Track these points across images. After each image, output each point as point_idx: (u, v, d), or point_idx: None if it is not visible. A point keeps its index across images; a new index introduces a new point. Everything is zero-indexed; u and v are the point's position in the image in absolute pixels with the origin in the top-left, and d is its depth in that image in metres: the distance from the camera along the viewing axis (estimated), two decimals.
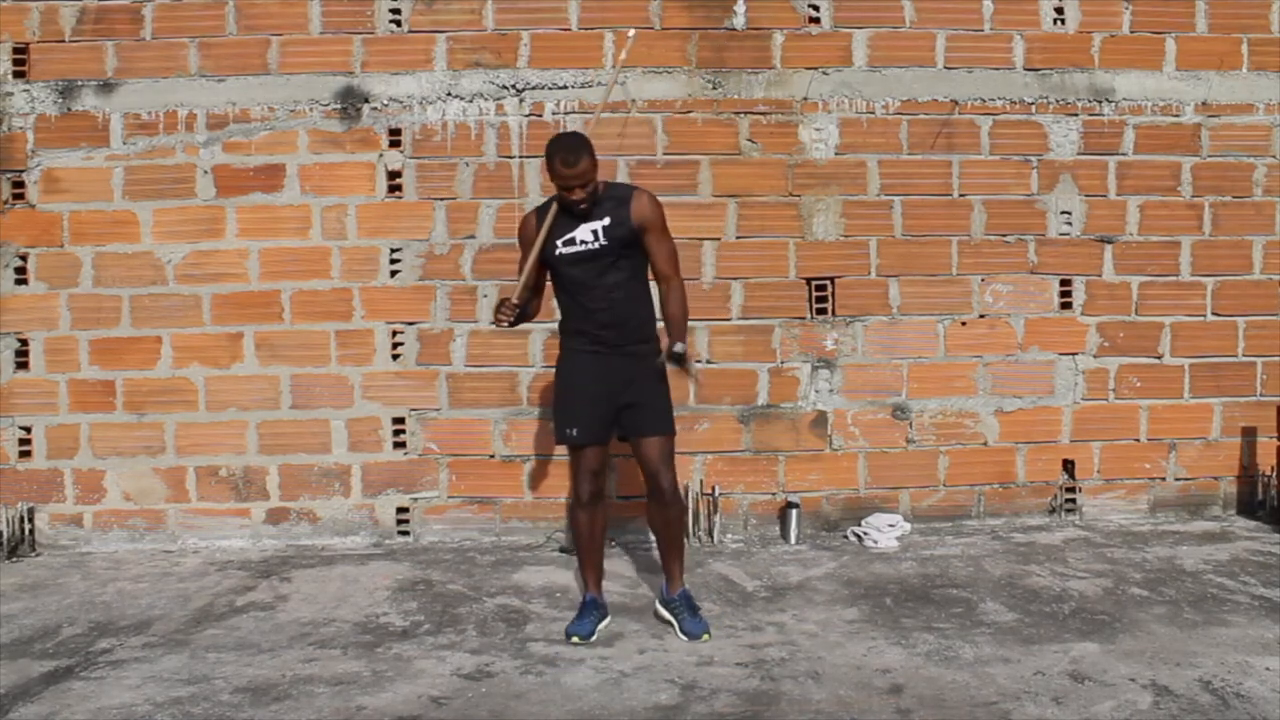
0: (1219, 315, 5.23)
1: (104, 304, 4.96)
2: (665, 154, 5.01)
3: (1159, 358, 5.22)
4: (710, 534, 4.94)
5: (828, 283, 5.09)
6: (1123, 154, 5.16)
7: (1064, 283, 5.17)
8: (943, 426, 5.14)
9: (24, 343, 4.96)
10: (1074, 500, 5.20)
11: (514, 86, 4.99)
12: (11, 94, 4.94)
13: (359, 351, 5.00)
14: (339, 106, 4.96)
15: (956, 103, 5.09)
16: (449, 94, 4.98)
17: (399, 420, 5.01)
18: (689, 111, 5.02)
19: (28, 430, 4.97)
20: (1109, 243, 5.18)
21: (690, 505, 4.85)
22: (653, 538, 4.88)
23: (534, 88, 4.99)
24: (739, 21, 5.03)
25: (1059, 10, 5.11)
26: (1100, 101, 5.14)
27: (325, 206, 4.98)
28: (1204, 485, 5.26)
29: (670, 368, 3.64)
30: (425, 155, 4.99)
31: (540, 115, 4.99)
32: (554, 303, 3.87)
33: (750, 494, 5.08)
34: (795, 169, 5.06)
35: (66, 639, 3.75)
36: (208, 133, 4.95)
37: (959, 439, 5.14)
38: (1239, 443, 5.25)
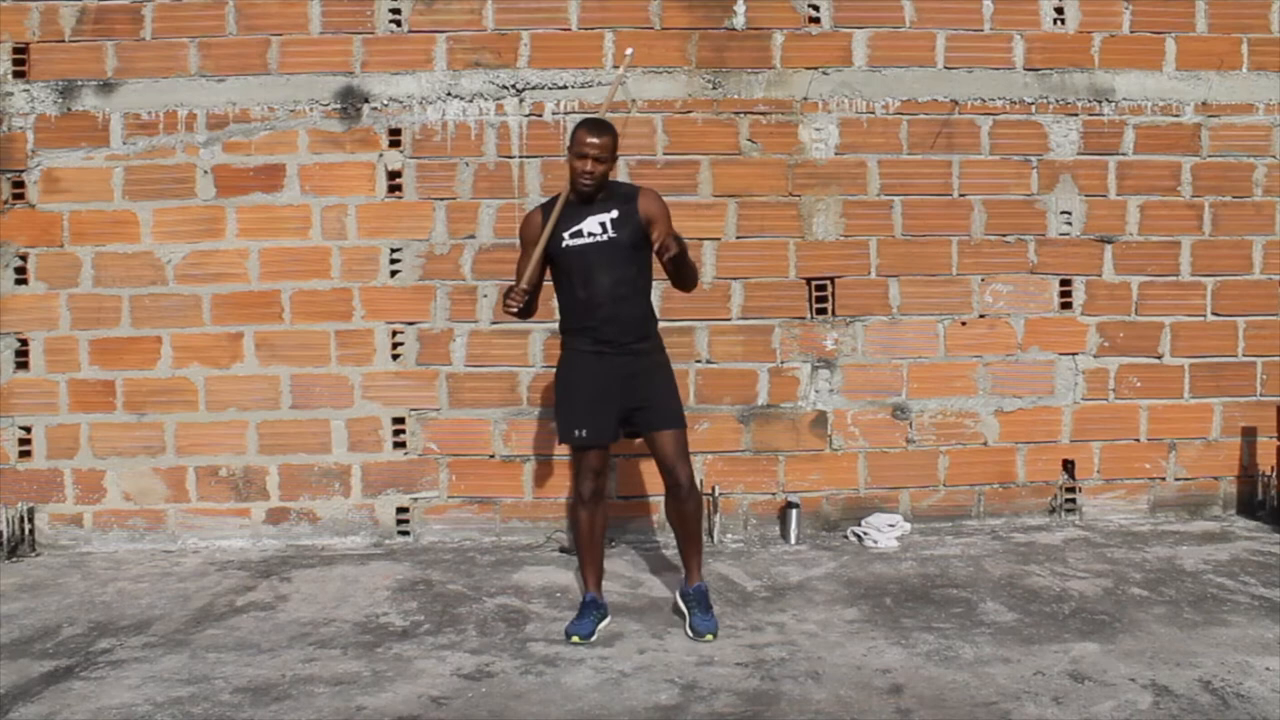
0: (1219, 315, 5.23)
1: (104, 304, 4.96)
2: (665, 154, 5.01)
3: (1159, 358, 5.22)
4: (710, 534, 4.93)
5: (828, 283, 5.09)
6: (1123, 154, 5.17)
7: (1064, 283, 5.17)
8: (943, 426, 5.14)
9: (24, 343, 4.96)
10: (1074, 500, 5.20)
11: (514, 86, 4.99)
12: (11, 94, 4.94)
13: (359, 351, 5.00)
14: (339, 106, 4.96)
15: (956, 103, 5.09)
16: (449, 94, 4.98)
17: (399, 420, 5.01)
18: (689, 111, 5.02)
19: (28, 430, 4.97)
20: (1109, 243, 5.18)
21: None
22: (655, 538, 4.91)
23: (534, 88, 4.99)
24: (739, 21, 5.03)
25: (1059, 10, 5.11)
26: (1100, 101, 5.14)
27: (325, 206, 4.98)
28: (1204, 485, 5.26)
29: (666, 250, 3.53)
30: (425, 155, 4.99)
31: (540, 115, 4.99)
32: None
33: (750, 494, 5.08)
34: (795, 169, 5.06)
35: (66, 639, 3.75)
36: (208, 133, 4.96)
37: (959, 439, 5.14)
38: (1239, 443, 5.25)
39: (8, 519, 4.85)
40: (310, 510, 5.01)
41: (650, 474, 3.97)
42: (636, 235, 3.66)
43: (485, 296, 4.99)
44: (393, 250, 5.00)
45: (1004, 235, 5.14)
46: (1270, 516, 5.12)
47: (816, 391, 5.09)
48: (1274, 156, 5.21)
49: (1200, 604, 3.95)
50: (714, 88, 5.03)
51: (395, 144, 4.98)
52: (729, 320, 5.03)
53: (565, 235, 3.66)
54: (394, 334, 5.00)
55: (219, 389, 4.98)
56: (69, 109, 4.94)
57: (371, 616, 3.96)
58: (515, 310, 3.64)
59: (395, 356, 5.01)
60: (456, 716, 3.08)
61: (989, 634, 3.67)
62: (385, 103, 4.97)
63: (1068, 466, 5.20)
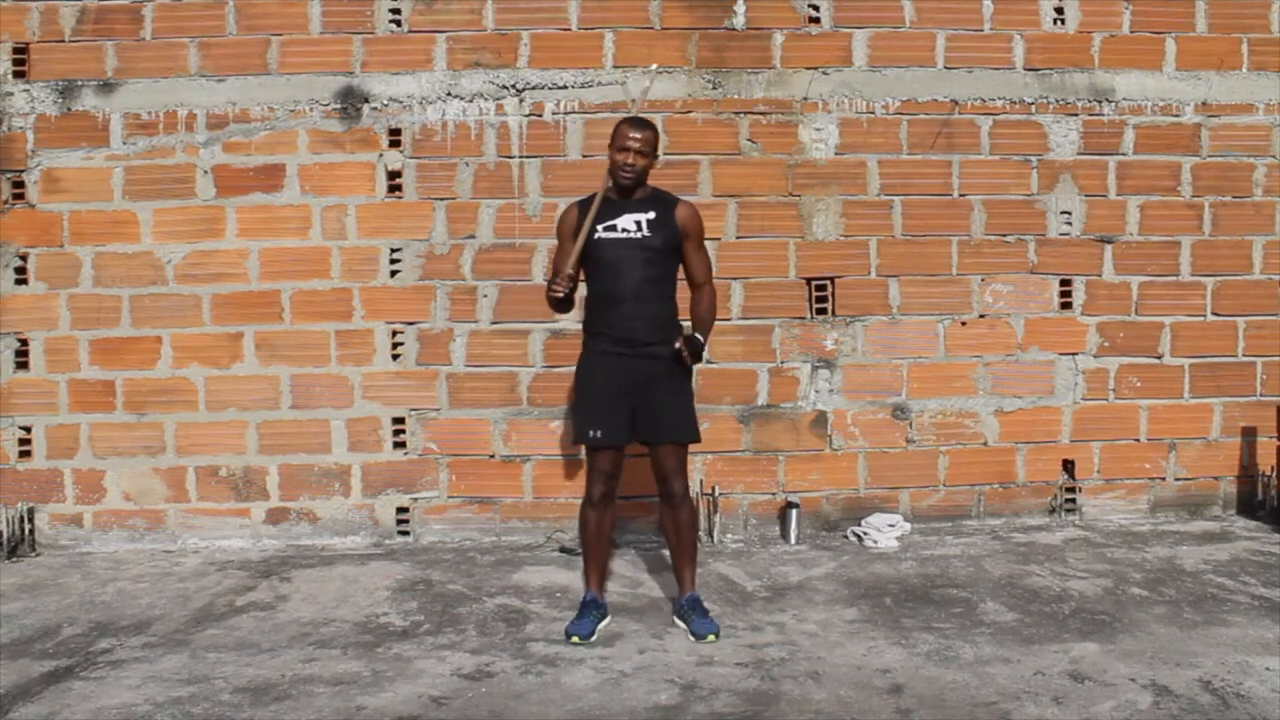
0: (1219, 315, 5.23)
1: (104, 304, 4.96)
2: (665, 154, 4.98)
3: (1159, 358, 5.22)
4: (710, 534, 4.94)
5: (828, 283, 5.09)
6: (1123, 154, 5.17)
7: (1064, 283, 5.17)
8: (943, 426, 5.14)
9: (24, 343, 4.96)
10: (1074, 500, 5.20)
11: (514, 86, 4.99)
12: (11, 94, 4.94)
13: (359, 351, 5.00)
14: (339, 106, 4.96)
15: (956, 103, 5.09)
16: (449, 94, 4.98)
17: (399, 420, 5.01)
18: (689, 111, 5.02)
19: (28, 430, 4.97)
20: (1109, 243, 5.18)
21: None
22: (655, 538, 4.91)
23: (534, 88, 4.99)
24: (739, 21, 5.03)
25: (1059, 10, 5.11)
26: (1100, 101, 5.14)
27: (325, 206, 4.98)
28: (1204, 485, 5.26)
29: (680, 351, 3.66)
30: (425, 155, 4.99)
31: (540, 115, 4.99)
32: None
33: (750, 494, 5.08)
34: (795, 169, 5.06)
35: (66, 639, 3.75)
36: (208, 133, 4.95)
37: (959, 439, 5.14)
38: (1239, 443, 5.25)
39: (8, 519, 4.85)
40: (310, 510, 5.01)
41: (651, 475, 3.97)
42: (669, 242, 3.71)
43: (485, 296, 4.99)
44: (393, 250, 5.00)
45: (1004, 235, 5.14)
46: (1270, 516, 5.12)
47: (816, 391, 5.09)
48: (1274, 156, 5.21)
49: (1200, 604, 3.95)
50: (714, 88, 5.03)
51: (395, 144, 4.98)
52: (729, 320, 5.03)
53: (599, 227, 3.69)
54: (394, 334, 5.00)
55: (219, 389, 4.98)
56: (69, 109, 4.94)
57: (371, 616, 3.96)
58: (560, 295, 3.66)
59: (395, 356, 5.01)
60: (456, 716, 3.08)
61: (989, 634, 3.67)
62: (385, 103, 4.97)
63: (1068, 466, 5.20)
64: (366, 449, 5.01)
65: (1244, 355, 5.24)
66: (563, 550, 4.82)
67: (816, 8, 5.04)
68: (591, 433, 3.72)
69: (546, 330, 4.97)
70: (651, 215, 3.70)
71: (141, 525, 5.00)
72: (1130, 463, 5.22)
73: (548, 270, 4.68)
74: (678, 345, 3.68)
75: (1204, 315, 5.23)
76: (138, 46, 4.95)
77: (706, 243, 4.99)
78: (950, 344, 5.13)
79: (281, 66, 4.96)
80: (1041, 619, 3.82)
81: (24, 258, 4.95)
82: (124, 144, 4.95)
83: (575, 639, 3.63)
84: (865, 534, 4.89)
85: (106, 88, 4.94)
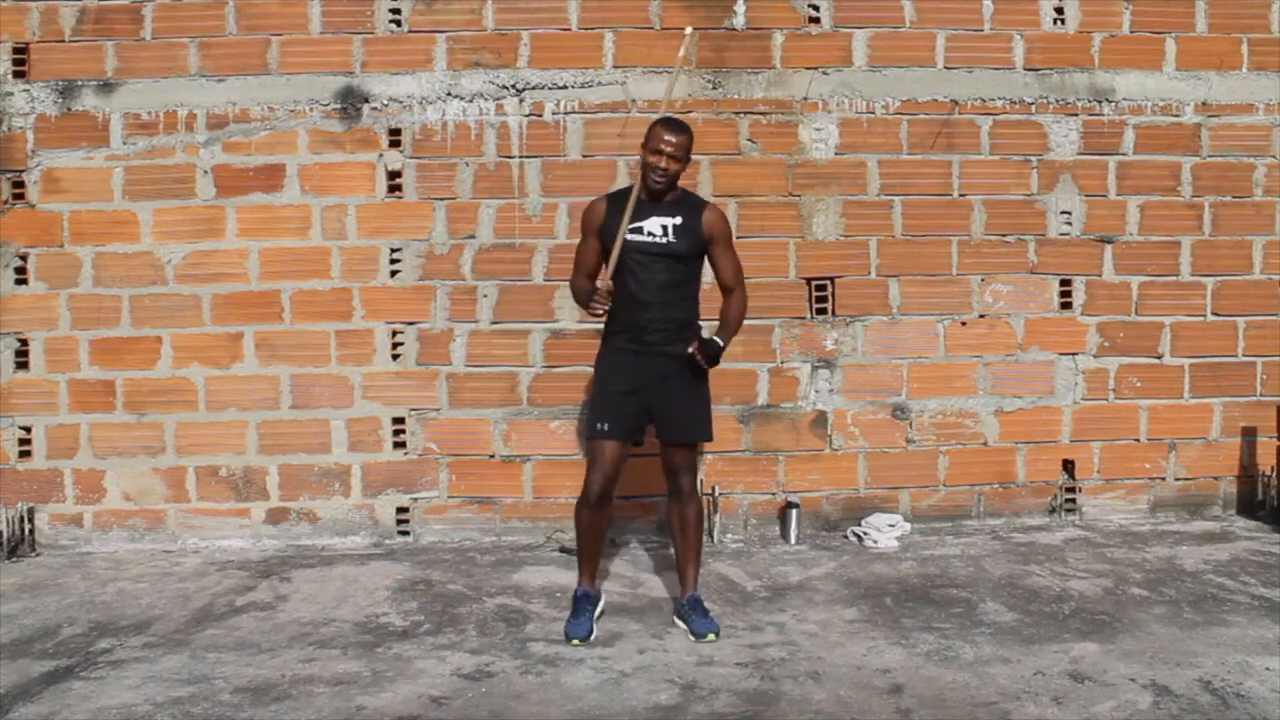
0: (1219, 315, 5.23)
1: (104, 304, 4.96)
2: None
3: (1159, 358, 5.22)
4: (710, 534, 4.93)
5: (828, 283, 5.09)
6: (1123, 154, 5.17)
7: (1064, 283, 5.17)
8: (943, 426, 5.14)
9: (24, 343, 4.96)
10: (1074, 500, 5.19)
11: (514, 86, 4.99)
12: (11, 94, 4.94)
13: (359, 351, 5.00)
14: (339, 106, 4.96)
15: (956, 103, 5.09)
16: (449, 94, 4.98)
17: (399, 420, 5.01)
18: (689, 111, 5.01)
19: (28, 430, 4.97)
20: (1109, 243, 5.18)
21: None
22: (655, 538, 4.91)
23: (534, 88, 4.99)
24: (739, 21, 5.03)
25: (1059, 10, 5.11)
26: (1100, 101, 5.14)
27: (325, 206, 4.98)
28: (1204, 485, 5.26)
29: (694, 355, 3.66)
30: (425, 155, 4.99)
31: (540, 115, 4.99)
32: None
33: (750, 494, 5.08)
34: (795, 169, 5.06)
35: (66, 639, 3.75)
36: (208, 133, 4.95)
37: (959, 439, 5.14)
38: (1239, 443, 5.25)
39: (8, 519, 4.85)
40: (310, 510, 5.01)
41: (651, 474, 3.98)
42: (694, 247, 3.72)
43: (485, 296, 4.99)
44: (393, 250, 5.00)
45: (1004, 235, 5.14)
46: (1270, 516, 5.11)
47: (816, 391, 5.09)
48: (1274, 156, 5.21)
49: (1200, 604, 3.95)
50: (714, 88, 5.03)
51: (395, 144, 4.98)
52: None
53: (625, 228, 3.67)
54: (394, 334, 5.00)
55: (219, 389, 4.98)
56: (69, 109, 4.94)
57: (371, 616, 3.96)
58: (600, 313, 3.68)
59: (395, 356, 5.01)
60: (456, 716, 3.08)
61: (989, 634, 3.67)
62: (385, 103, 4.97)
63: (1068, 466, 5.20)
64: (366, 449, 5.01)
65: (1244, 355, 5.24)
66: (563, 550, 4.82)
67: (816, 8, 5.04)
68: (599, 425, 3.72)
69: (546, 330, 4.97)
70: (678, 220, 3.70)
71: (141, 525, 4.99)
72: (1130, 463, 5.22)
73: (548, 270, 4.68)
74: (691, 350, 3.68)
75: (1204, 315, 5.23)
76: (138, 46, 4.95)
77: None
78: (950, 344, 5.13)
79: (281, 66, 4.96)
80: (1041, 619, 3.82)
81: (24, 258, 4.95)
82: (124, 144, 4.95)
83: (575, 641, 3.63)
84: (865, 534, 4.89)
85: (106, 88, 4.94)
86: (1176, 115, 5.18)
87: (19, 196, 4.95)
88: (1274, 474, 5.17)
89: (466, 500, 5.03)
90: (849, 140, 5.06)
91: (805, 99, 5.04)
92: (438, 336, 5.01)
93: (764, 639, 3.66)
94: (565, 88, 4.99)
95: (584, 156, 4.97)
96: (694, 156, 4.95)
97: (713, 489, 4.99)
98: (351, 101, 4.97)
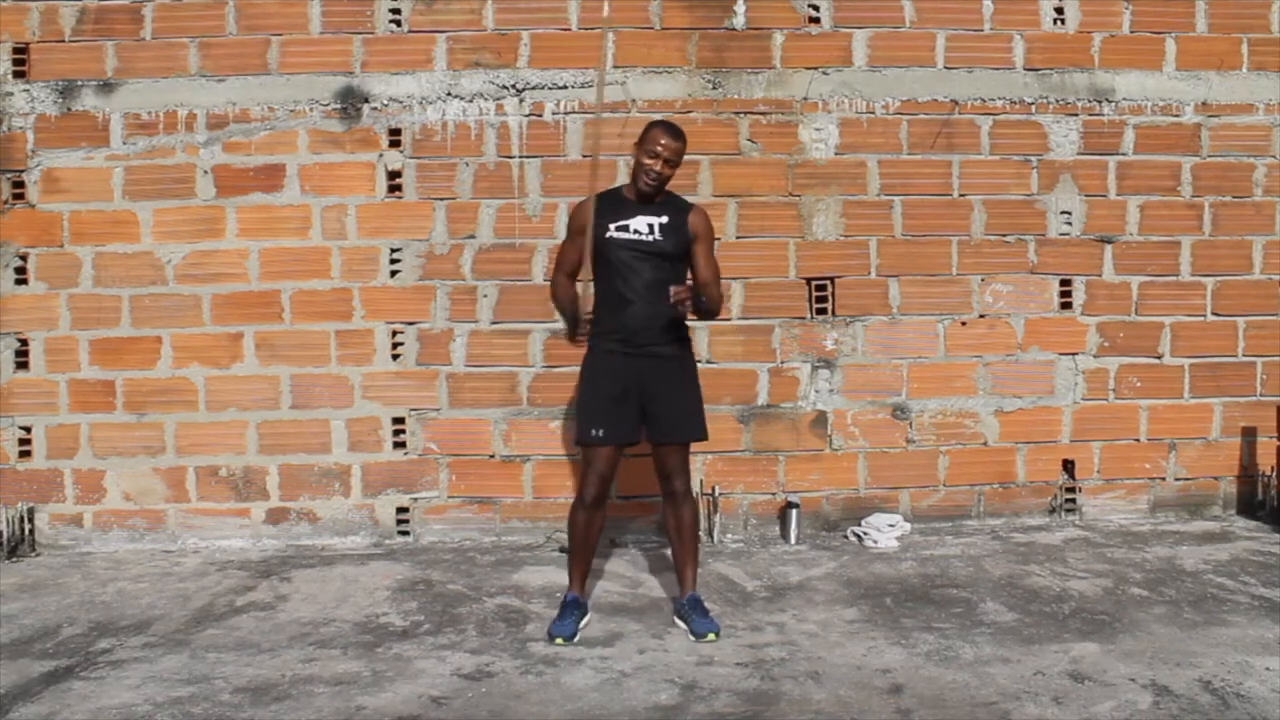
0: (1219, 315, 5.23)
1: (104, 304, 4.96)
2: None
3: (1159, 358, 5.22)
4: (710, 534, 4.94)
5: (828, 283, 5.09)
6: (1123, 154, 5.17)
7: (1064, 283, 5.17)
8: (943, 426, 5.14)
9: (24, 343, 4.96)
10: (1074, 500, 5.20)
11: (514, 86, 4.99)
12: (11, 94, 4.94)
13: (359, 351, 5.00)
14: (339, 106, 4.96)
15: (956, 103, 5.09)
16: (449, 94, 4.98)
17: (399, 420, 5.01)
18: (689, 111, 5.01)
19: (28, 430, 4.97)
20: (1109, 243, 5.18)
21: None
22: (655, 538, 4.91)
23: (534, 88, 4.99)
24: (739, 21, 5.03)
25: (1059, 10, 5.11)
26: (1100, 101, 5.14)
27: (325, 206, 4.98)
28: (1204, 485, 5.26)
29: (680, 294, 3.55)
30: (425, 155, 4.99)
31: (540, 115, 4.99)
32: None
33: (750, 494, 5.08)
34: (795, 169, 5.06)
35: (66, 639, 3.75)
36: (208, 133, 4.96)
37: (959, 439, 5.14)
38: (1239, 443, 5.25)
39: (8, 519, 4.85)
40: (310, 510, 5.01)
41: (650, 475, 3.97)
42: (680, 246, 3.72)
43: (485, 296, 4.99)
44: (393, 250, 5.00)
45: (1004, 235, 5.14)
46: (1270, 516, 5.12)
47: (816, 391, 5.09)
48: (1274, 156, 5.21)
49: (1200, 604, 3.95)
50: (714, 88, 5.03)
51: (395, 144, 4.98)
52: (729, 320, 5.03)
53: (612, 226, 3.69)
54: (394, 334, 5.00)
55: (219, 389, 4.98)
56: (69, 109, 4.94)
57: (371, 616, 3.96)
58: (581, 342, 3.72)
59: (395, 356, 5.01)
60: (456, 716, 3.08)
61: (989, 634, 3.67)
62: (385, 103, 4.97)
63: (1068, 466, 5.20)
64: (366, 449, 5.01)
65: (1244, 355, 5.24)
66: (563, 550, 4.80)
67: (816, 8, 5.05)
68: (594, 431, 3.72)
69: (546, 330, 4.97)
70: (665, 219, 3.70)
71: (141, 525, 5.00)
72: (1130, 463, 5.22)
73: (549, 270, 4.68)
74: (675, 291, 3.52)
75: (1204, 315, 5.23)
76: (138, 46, 4.95)
77: None
78: (950, 344, 5.13)
79: (281, 66, 4.96)
80: (1041, 619, 3.82)
81: (24, 258, 4.95)
82: (124, 144, 4.95)
83: (559, 640, 3.63)
84: (865, 534, 4.89)
85: (106, 88, 4.94)
86: (1176, 115, 5.18)
87: (19, 196, 4.95)
88: (1274, 474, 5.17)
89: (466, 500, 5.03)
90: (849, 140, 5.06)
91: (805, 99, 5.04)
92: (438, 336, 5.01)
93: (764, 639, 3.66)
94: (565, 88, 5.00)
95: (584, 156, 4.96)
96: (694, 156, 5.00)
97: (713, 489, 5.00)
98: (351, 101, 4.97)
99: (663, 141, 3.64)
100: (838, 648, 3.56)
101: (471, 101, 4.98)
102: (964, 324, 5.14)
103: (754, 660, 3.46)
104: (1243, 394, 5.25)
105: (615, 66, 4.99)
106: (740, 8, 5.02)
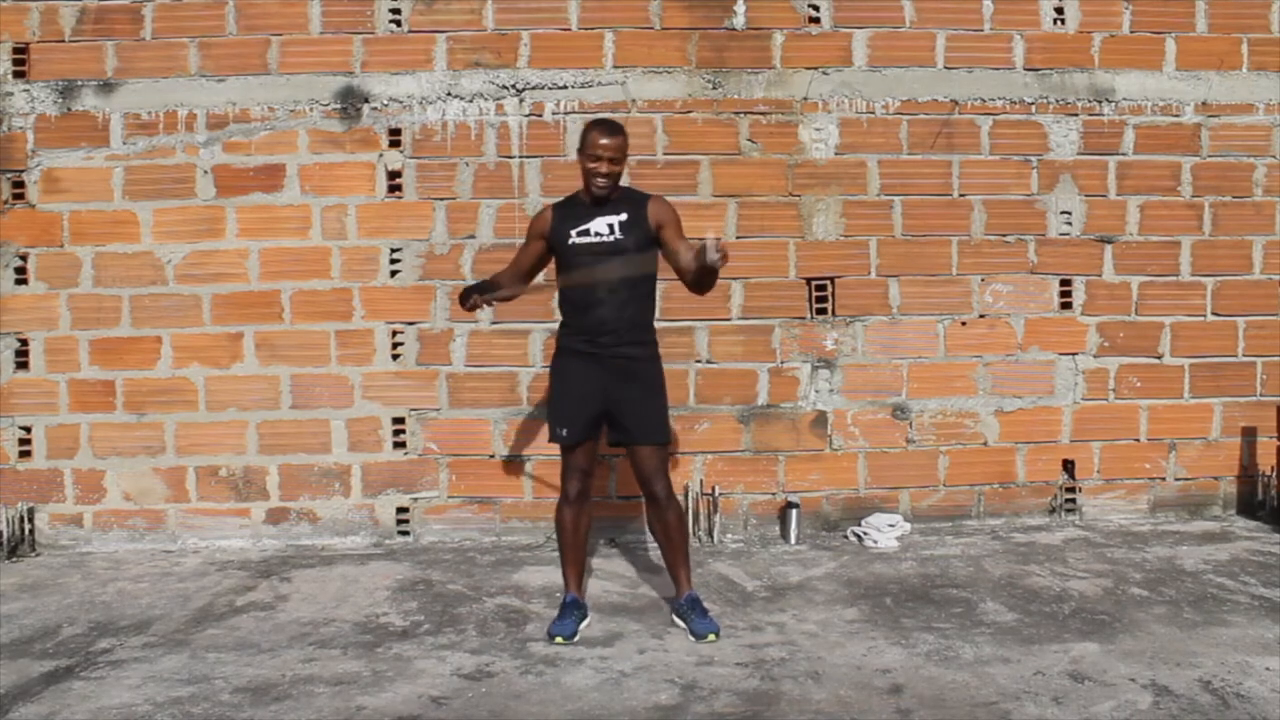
0: (1219, 315, 5.23)
1: (104, 304, 4.96)
2: (665, 154, 5.01)
3: (1159, 358, 5.22)
4: (710, 534, 4.94)
5: (828, 283, 5.09)
6: (1123, 154, 5.17)
7: (1064, 283, 5.17)
8: (943, 426, 5.14)
9: (24, 343, 4.96)
10: (1074, 500, 5.20)
11: (514, 86, 4.99)
12: (11, 94, 4.94)
13: (359, 351, 5.00)
14: (339, 106, 4.96)
15: (956, 103, 5.09)
16: (449, 94, 4.98)
17: (399, 420, 5.01)
18: (689, 111, 5.02)
19: (28, 430, 4.97)
20: (1109, 243, 5.18)
21: (690, 505, 4.86)
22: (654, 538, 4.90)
23: (534, 88, 4.99)
24: (739, 21, 5.03)
25: (1059, 10, 5.11)
26: (1100, 101, 5.14)
27: (325, 206, 4.98)
28: (1204, 485, 5.26)
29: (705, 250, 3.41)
30: (425, 155, 4.99)
31: (540, 115, 4.99)
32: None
33: (750, 494, 5.08)
34: (795, 169, 5.06)
35: (66, 639, 3.75)
36: (208, 133, 4.96)
37: (959, 439, 5.14)
38: (1239, 443, 5.25)
39: (8, 519, 4.85)
40: (310, 510, 5.01)
41: None
42: (643, 240, 3.68)
43: None
44: (393, 250, 5.00)
45: (1004, 235, 5.14)
46: (1270, 516, 5.12)
47: (816, 391, 5.09)
48: (1274, 156, 5.21)
49: (1200, 604, 3.95)
50: (714, 88, 5.03)
51: (395, 144, 4.98)
52: (729, 320, 5.03)
53: (573, 233, 3.68)
54: (394, 334, 5.00)
55: (219, 389, 4.98)
56: (69, 109, 4.94)
57: (371, 616, 3.96)
58: (468, 310, 3.83)
59: (395, 356, 5.01)
60: (456, 716, 3.08)
61: (989, 634, 3.67)
62: (385, 103, 4.97)
63: (1068, 466, 5.20)
64: (366, 449, 5.01)
65: (1244, 355, 5.24)
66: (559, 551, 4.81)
67: (816, 8, 5.05)
68: (561, 430, 3.73)
69: (546, 330, 4.96)
70: (624, 217, 3.67)
71: (141, 525, 5.00)
72: (1130, 463, 5.22)
73: (549, 270, 4.68)
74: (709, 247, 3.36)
75: (1204, 315, 5.23)
76: (138, 46, 4.95)
77: None
78: (950, 344, 5.13)
79: (281, 66, 4.96)
80: (1041, 619, 3.82)
81: (24, 258, 4.95)
82: (124, 144, 4.95)
83: (559, 640, 3.63)
84: (865, 534, 4.89)
85: (106, 88, 4.94)
86: (1176, 115, 5.18)
87: (19, 196, 4.95)
88: (1274, 474, 5.17)
89: (466, 500, 5.03)
90: (849, 140, 5.06)
91: (805, 99, 5.04)
92: (438, 336, 5.01)
93: (764, 639, 3.66)
94: (565, 88, 5.00)
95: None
96: (694, 156, 5.02)
97: (713, 489, 5.00)
98: (351, 101, 4.97)
99: (602, 142, 3.60)
100: (838, 648, 3.56)
101: (471, 101, 4.98)
102: (964, 324, 5.14)
103: (754, 660, 3.46)
104: (1243, 394, 5.25)
105: (615, 66, 4.99)
106: (740, 8, 5.02)
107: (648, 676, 3.34)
